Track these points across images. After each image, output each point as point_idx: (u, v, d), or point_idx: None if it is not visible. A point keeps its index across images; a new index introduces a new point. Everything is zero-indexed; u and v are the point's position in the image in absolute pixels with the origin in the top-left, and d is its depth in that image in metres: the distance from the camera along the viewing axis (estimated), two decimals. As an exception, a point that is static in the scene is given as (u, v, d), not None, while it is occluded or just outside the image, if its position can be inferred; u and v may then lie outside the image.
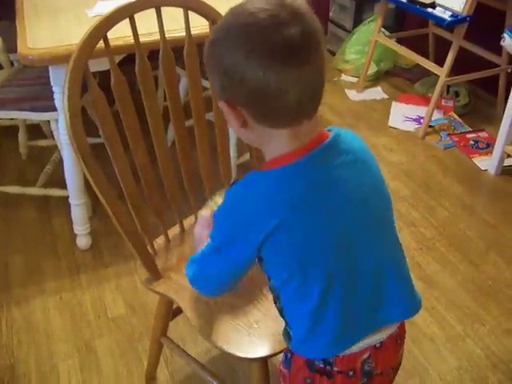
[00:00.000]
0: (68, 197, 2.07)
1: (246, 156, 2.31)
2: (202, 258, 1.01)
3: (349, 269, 0.91)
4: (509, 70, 2.90)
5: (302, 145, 0.87)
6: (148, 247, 1.33)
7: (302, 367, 0.98)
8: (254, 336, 1.18)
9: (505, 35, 2.46)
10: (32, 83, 2.20)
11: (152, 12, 1.22)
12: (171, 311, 1.46)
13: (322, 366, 0.95)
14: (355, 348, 0.94)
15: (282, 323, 1.01)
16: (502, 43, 2.49)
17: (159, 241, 1.42)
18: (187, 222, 1.47)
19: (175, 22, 1.36)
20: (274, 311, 1.11)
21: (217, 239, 0.95)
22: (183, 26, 1.28)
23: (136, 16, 1.19)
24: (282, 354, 1.05)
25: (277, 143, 0.87)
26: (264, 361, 1.20)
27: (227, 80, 0.82)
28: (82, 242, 2.14)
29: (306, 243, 0.87)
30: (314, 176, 0.87)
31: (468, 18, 2.61)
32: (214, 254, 0.97)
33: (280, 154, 0.88)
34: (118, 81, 1.20)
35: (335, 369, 0.95)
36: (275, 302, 1.01)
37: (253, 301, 1.24)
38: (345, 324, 0.92)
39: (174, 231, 1.45)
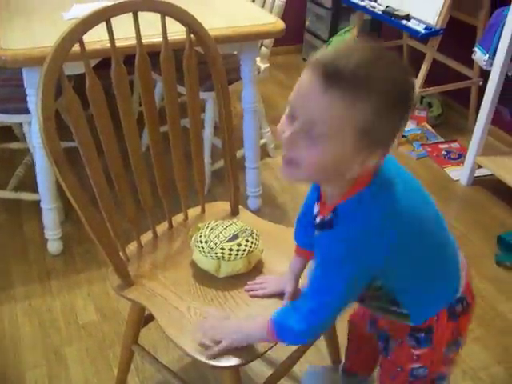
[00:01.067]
0: (39, 201, 2.03)
1: (221, 163, 2.30)
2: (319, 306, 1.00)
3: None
4: (480, 83, 2.96)
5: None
6: (120, 253, 1.32)
7: (446, 324, 1.07)
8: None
9: (476, 49, 2.51)
10: (4, 84, 2.16)
11: (129, 16, 1.21)
12: (143, 318, 1.44)
13: (460, 307, 1.07)
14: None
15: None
16: (473, 57, 2.54)
17: (131, 247, 1.40)
18: (160, 228, 1.46)
19: (152, 27, 1.35)
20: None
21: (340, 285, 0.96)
22: (160, 31, 1.28)
23: (113, 20, 1.18)
24: (407, 339, 1.09)
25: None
26: (236, 369, 1.19)
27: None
28: (53, 247, 2.10)
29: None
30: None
31: (441, 31, 2.66)
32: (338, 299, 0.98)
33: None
34: (92, 85, 1.19)
35: (468, 300, 1.09)
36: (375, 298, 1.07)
37: (225, 309, 1.23)
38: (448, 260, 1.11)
39: (146, 237, 1.43)
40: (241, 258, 1.30)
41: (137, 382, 1.65)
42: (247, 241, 1.31)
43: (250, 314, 1.22)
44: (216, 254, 1.29)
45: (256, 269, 1.34)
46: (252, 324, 1.15)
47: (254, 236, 1.34)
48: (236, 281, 1.31)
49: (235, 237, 1.32)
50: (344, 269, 0.93)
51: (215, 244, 1.30)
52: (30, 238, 2.19)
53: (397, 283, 1.03)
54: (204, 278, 1.31)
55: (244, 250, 1.30)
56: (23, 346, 1.75)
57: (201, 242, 1.31)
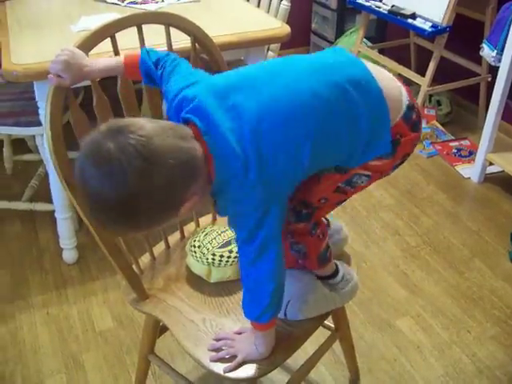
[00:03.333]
0: (54, 211, 2.06)
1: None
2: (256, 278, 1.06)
3: None
4: (489, 79, 2.95)
5: None
6: (134, 267, 1.33)
7: (404, 129, 1.04)
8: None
9: (483, 45, 2.51)
10: (16, 98, 2.19)
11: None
12: (158, 328, 1.45)
13: (414, 116, 1.05)
14: None
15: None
16: (481, 53, 2.54)
17: (144, 259, 1.41)
18: (172, 239, 1.47)
19: (159, 36, 1.37)
20: None
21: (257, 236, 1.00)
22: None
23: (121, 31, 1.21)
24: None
25: None
26: (253, 381, 1.19)
27: None
28: (69, 256, 2.13)
29: None
30: None
31: (448, 29, 2.66)
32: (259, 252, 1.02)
33: None
34: (100, 101, 1.21)
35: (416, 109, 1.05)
36: None
37: (241, 320, 1.23)
38: None
39: (159, 248, 1.44)
40: (231, 264, 1.31)
41: (154, 388, 1.67)
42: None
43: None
44: (207, 259, 1.30)
45: None
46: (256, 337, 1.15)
47: None
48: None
49: (228, 243, 1.33)
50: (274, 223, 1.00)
51: (207, 249, 1.31)
52: (45, 247, 2.23)
53: (339, 158, 1.04)
54: (219, 289, 1.32)
55: (235, 257, 1.31)
56: (42, 353, 1.78)
57: (194, 247, 1.33)
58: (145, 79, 1.16)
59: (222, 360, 1.14)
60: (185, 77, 1.05)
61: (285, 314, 1.20)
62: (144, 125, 0.88)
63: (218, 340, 1.18)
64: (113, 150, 0.84)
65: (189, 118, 0.96)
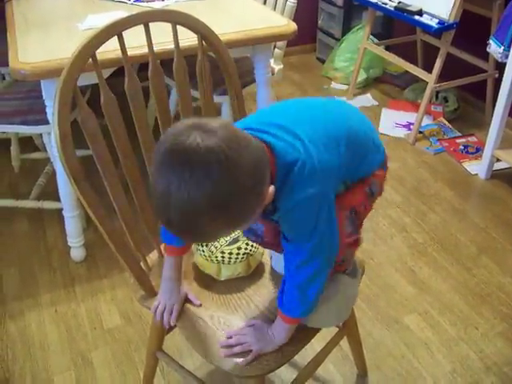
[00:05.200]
0: (61, 209, 2.07)
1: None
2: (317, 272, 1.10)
3: None
4: (496, 75, 2.94)
5: None
6: (142, 264, 1.34)
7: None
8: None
9: (490, 41, 2.50)
10: (24, 97, 2.20)
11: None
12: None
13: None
14: None
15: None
16: (488, 49, 2.52)
17: (152, 256, 1.42)
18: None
19: (166, 34, 1.37)
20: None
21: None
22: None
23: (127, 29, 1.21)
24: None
25: None
26: (262, 378, 1.20)
27: None
28: (77, 254, 2.14)
29: None
30: None
31: (455, 25, 2.65)
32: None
33: None
34: (107, 99, 1.21)
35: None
36: None
37: (249, 318, 1.23)
38: None
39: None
40: (240, 261, 1.31)
41: (162, 385, 1.68)
42: (247, 244, 1.32)
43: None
44: (216, 257, 1.30)
45: (257, 272, 1.35)
46: (275, 328, 1.17)
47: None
48: (258, 287, 1.32)
49: (235, 240, 1.33)
50: (331, 218, 1.06)
51: (215, 248, 1.31)
52: (53, 245, 2.24)
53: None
54: (226, 286, 1.32)
55: (244, 254, 1.31)
56: (51, 351, 1.79)
57: (202, 246, 1.33)
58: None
59: (236, 355, 1.15)
60: None
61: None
62: (219, 122, 0.88)
63: (229, 338, 1.18)
64: (202, 135, 0.83)
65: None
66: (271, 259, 1.37)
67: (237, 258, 1.30)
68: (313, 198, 1.00)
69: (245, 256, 1.31)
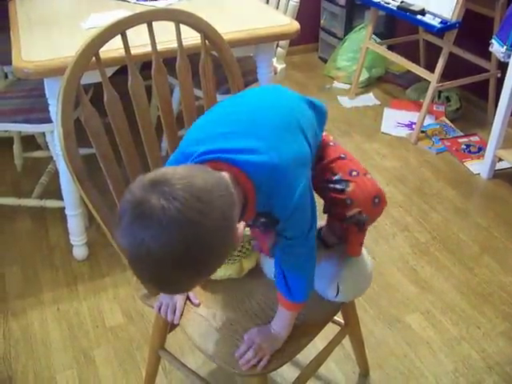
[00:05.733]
0: (64, 208, 2.08)
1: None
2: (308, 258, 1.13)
3: None
4: (498, 75, 2.94)
5: None
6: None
7: None
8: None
9: (493, 41, 2.49)
10: (26, 95, 2.21)
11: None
12: (168, 324, 1.45)
13: None
14: None
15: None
16: (490, 49, 2.52)
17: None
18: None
19: (169, 33, 1.37)
20: None
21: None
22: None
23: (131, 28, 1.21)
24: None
25: None
26: (264, 376, 1.21)
27: None
28: (79, 252, 2.14)
29: None
30: None
31: (457, 25, 2.64)
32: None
33: None
34: (110, 98, 1.22)
35: None
36: None
37: (251, 316, 1.24)
38: None
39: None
40: (233, 263, 1.31)
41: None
42: (242, 246, 1.31)
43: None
44: None
45: (256, 271, 1.35)
46: (279, 321, 1.18)
47: (251, 242, 1.34)
48: (259, 287, 1.32)
49: None
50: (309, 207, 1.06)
51: None
52: (55, 244, 2.24)
53: None
54: (228, 284, 1.33)
55: (238, 256, 1.31)
56: (53, 349, 1.79)
57: None
58: None
59: (252, 362, 1.15)
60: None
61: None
62: (175, 170, 0.87)
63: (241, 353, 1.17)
64: (162, 202, 0.81)
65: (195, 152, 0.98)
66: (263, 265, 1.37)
67: (229, 260, 1.30)
68: (303, 194, 1.01)
69: (238, 258, 1.31)
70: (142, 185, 0.84)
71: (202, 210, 0.83)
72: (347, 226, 1.21)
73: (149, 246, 0.81)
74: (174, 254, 0.83)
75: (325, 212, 1.27)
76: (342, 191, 1.16)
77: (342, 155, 1.21)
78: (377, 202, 1.17)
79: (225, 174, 0.93)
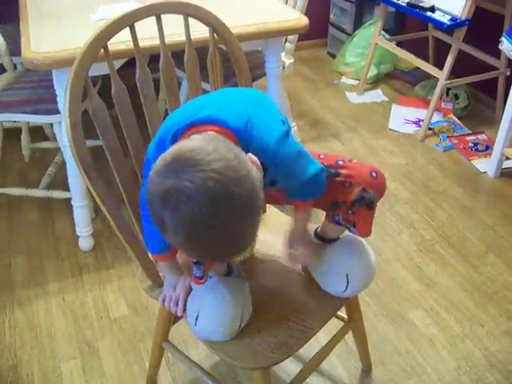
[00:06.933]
0: (70, 199, 2.09)
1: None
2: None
3: None
4: (507, 73, 2.92)
5: None
6: (149, 254, 1.34)
7: None
8: (256, 345, 1.18)
9: (503, 39, 2.48)
10: (35, 86, 2.22)
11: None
12: (172, 316, 1.46)
13: None
14: None
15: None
16: (500, 47, 2.51)
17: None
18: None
19: (177, 26, 1.37)
20: (275, 319, 1.18)
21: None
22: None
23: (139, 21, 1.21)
24: None
25: None
26: (266, 370, 1.21)
27: None
28: (85, 243, 2.15)
29: None
30: None
31: (467, 22, 2.63)
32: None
33: None
34: (118, 90, 1.22)
35: None
36: None
37: (255, 309, 1.24)
38: None
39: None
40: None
41: (168, 376, 1.68)
42: None
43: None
44: None
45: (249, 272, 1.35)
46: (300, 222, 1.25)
47: None
48: (260, 278, 1.33)
49: None
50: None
51: None
52: (61, 235, 2.25)
53: None
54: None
55: None
56: (58, 339, 1.81)
57: None
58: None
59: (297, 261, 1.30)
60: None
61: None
62: (197, 145, 0.88)
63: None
64: (201, 180, 0.83)
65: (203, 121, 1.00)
66: None
67: None
68: (282, 136, 1.02)
69: None
70: (173, 169, 0.85)
71: (238, 177, 0.85)
72: (355, 209, 1.21)
73: (201, 225, 0.84)
74: (227, 227, 0.86)
75: (329, 210, 1.27)
76: (337, 175, 1.19)
77: (322, 155, 1.23)
78: (375, 176, 1.19)
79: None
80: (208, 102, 1.07)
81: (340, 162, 1.21)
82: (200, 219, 0.84)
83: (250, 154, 0.94)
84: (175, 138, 1.00)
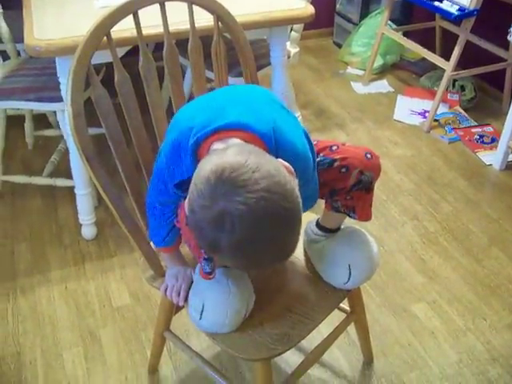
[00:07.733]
0: (74, 187, 2.08)
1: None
2: None
3: None
4: (515, 65, 2.89)
5: None
6: (152, 245, 1.34)
7: None
8: (258, 336, 1.18)
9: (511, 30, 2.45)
10: (38, 73, 2.20)
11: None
12: (174, 306, 1.45)
13: None
14: None
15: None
16: (509, 38, 2.48)
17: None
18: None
19: (181, 13, 1.35)
20: (277, 311, 1.18)
21: None
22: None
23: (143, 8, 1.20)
24: None
25: None
26: (268, 361, 1.21)
27: None
28: (88, 232, 2.15)
29: None
30: None
31: (475, 12, 2.60)
32: None
33: None
34: (121, 78, 1.21)
35: None
36: None
37: (257, 301, 1.23)
38: None
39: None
40: None
41: (169, 366, 1.69)
42: None
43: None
44: None
45: None
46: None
47: None
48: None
49: None
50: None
51: None
52: (64, 223, 2.25)
53: None
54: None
55: None
56: (60, 327, 1.81)
57: None
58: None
59: None
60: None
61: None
62: (242, 161, 0.85)
63: None
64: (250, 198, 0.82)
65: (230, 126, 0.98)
66: None
67: None
68: (305, 137, 1.06)
69: None
70: (222, 192, 0.83)
71: (285, 191, 0.85)
72: (354, 194, 1.22)
73: (259, 243, 0.85)
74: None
75: (327, 198, 1.27)
76: (332, 163, 1.18)
77: (315, 142, 1.22)
78: (370, 157, 1.20)
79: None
80: (226, 104, 1.04)
81: (334, 148, 1.21)
82: (257, 238, 0.84)
83: (281, 160, 0.92)
84: (197, 144, 0.98)
